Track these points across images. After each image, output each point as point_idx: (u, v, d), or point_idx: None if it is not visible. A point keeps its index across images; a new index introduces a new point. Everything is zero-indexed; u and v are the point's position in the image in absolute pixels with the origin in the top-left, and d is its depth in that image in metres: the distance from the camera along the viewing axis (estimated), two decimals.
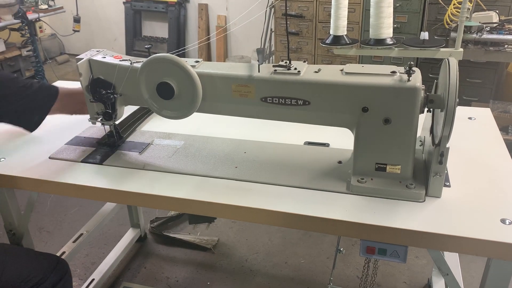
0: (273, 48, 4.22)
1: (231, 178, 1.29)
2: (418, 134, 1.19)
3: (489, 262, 1.13)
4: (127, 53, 5.31)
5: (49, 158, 1.44)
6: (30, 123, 1.42)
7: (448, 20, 2.90)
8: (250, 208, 1.17)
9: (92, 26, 5.60)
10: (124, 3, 5.26)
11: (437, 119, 1.16)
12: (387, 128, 1.15)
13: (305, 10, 3.84)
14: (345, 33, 1.30)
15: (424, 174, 1.21)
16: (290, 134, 1.50)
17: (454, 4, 2.79)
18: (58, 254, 1.97)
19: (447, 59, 1.09)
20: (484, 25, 2.92)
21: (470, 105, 3.18)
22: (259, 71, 1.22)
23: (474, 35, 2.89)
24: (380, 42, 1.24)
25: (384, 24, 1.22)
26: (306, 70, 1.20)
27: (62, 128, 1.64)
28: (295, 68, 1.20)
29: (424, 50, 1.24)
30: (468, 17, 2.87)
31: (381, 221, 1.08)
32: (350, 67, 1.18)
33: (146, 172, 1.35)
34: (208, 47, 5.10)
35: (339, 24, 1.28)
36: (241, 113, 1.30)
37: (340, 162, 1.34)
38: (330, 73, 1.19)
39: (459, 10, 1.25)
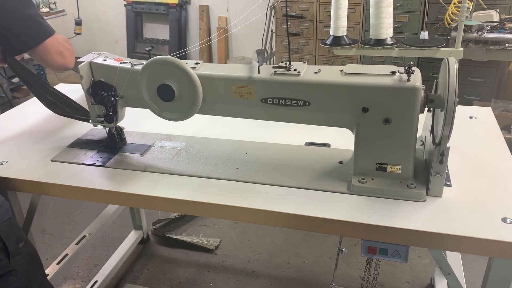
0: (274, 49, 4.22)
1: (233, 179, 1.29)
2: (419, 133, 1.20)
3: (491, 261, 1.13)
4: (129, 55, 5.32)
5: (51, 160, 1.44)
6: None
7: (448, 20, 2.90)
8: (252, 209, 1.17)
9: (94, 29, 5.62)
10: (125, 5, 5.27)
11: (438, 118, 1.16)
12: (387, 128, 1.15)
13: (306, 11, 3.84)
14: (345, 33, 1.31)
15: (425, 173, 1.21)
16: (291, 134, 1.50)
17: (454, 4, 2.79)
18: (61, 257, 1.98)
19: (447, 59, 1.09)
20: (485, 24, 2.91)
21: (471, 104, 3.16)
22: (259, 72, 1.22)
23: (475, 34, 2.89)
24: (380, 42, 1.24)
25: (384, 24, 1.22)
26: (306, 71, 1.21)
27: (64, 130, 1.64)
28: (295, 69, 1.20)
29: (425, 50, 1.25)
30: (468, 16, 2.87)
31: (382, 221, 1.08)
32: (350, 68, 1.19)
33: (147, 174, 1.35)
34: (209, 49, 5.11)
35: (339, 24, 1.29)
36: (241, 114, 1.31)
37: (341, 162, 1.34)
38: (330, 73, 1.19)
39: (460, 10, 1.25)
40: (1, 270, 1.24)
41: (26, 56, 4.38)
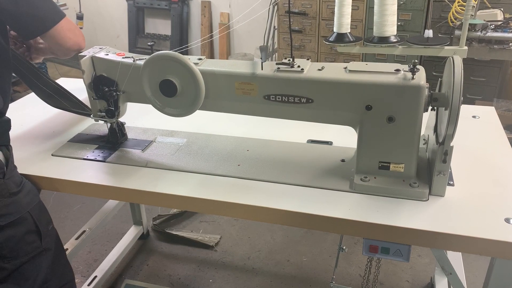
0: (276, 46, 4.21)
1: (234, 176, 1.29)
2: (422, 132, 1.19)
3: (493, 262, 1.12)
4: (130, 50, 5.31)
5: (52, 155, 1.44)
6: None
7: (452, 18, 2.88)
8: (253, 206, 1.17)
9: (95, 23, 5.60)
10: (127, 0, 5.25)
11: (441, 117, 1.15)
12: (390, 127, 1.14)
13: (309, 8, 3.82)
14: (349, 30, 1.30)
15: (427, 172, 1.20)
16: (293, 132, 1.50)
17: (458, 2, 2.77)
18: None
19: (452, 57, 1.08)
20: (489, 23, 2.90)
21: (474, 104, 3.16)
22: (262, 69, 1.21)
23: (479, 33, 2.87)
24: (383, 40, 1.23)
25: (388, 22, 1.22)
26: (309, 68, 1.20)
27: (65, 125, 1.64)
28: (298, 66, 1.19)
29: (428, 48, 1.24)
30: (472, 15, 2.85)
31: (384, 220, 1.07)
32: (353, 65, 1.18)
33: (148, 169, 1.34)
34: (211, 45, 5.10)
35: (343, 21, 1.28)
36: (244, 110, 1.30)
37: (343, 160, 1.33)
38: (334, 71, 1.18)
39: (464, 8, 1.24)
40: (34, 250, 1.30)
41: None
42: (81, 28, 4.17)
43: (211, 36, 4.97)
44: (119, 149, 1.46)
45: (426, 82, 1.10)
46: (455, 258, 1.81)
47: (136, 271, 2.31)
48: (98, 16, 5.55)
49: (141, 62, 1.28)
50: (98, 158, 1.41)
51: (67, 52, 1.36)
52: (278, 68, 1.20)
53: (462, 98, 1.03)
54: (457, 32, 2.95)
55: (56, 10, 1.29)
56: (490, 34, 2.87)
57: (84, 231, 2.09)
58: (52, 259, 1.36)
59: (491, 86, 3.34)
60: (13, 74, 1.42)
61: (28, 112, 1.75)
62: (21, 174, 1.33)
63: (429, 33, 1.27)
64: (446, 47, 1.23)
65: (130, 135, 1.53)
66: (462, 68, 1.05)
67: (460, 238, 1.02)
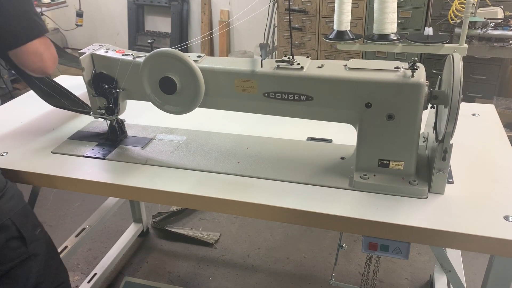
0: (276, 43, 4.21)
1: (234, 173, 1.29)
2: (422, 130, 1.19)
3: (492, 259, 1.12)
4: (130, 48, 5.27)
5: (52, 152, 1.44)
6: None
7: (452, 16, 2.88)
8: (252, 203, 1.17)
9: (95, 21, 5.60)
10: None
11: (441, 115, 1.15)
12: (390, 124, 1.14)
13: (309, 5, 3.82)
14: (349, 28, 1.30)
15: (427, 170, 1.20)
16: (293, 129, 1.50)
17: (458, 0, 2.77)
18: (60, 249, 1.98)
19: (452, 55, 1.08)
20: (489, 21, 2.90)
21: (474, 102, 3.16)
22: (262, 66, 1.21)
23: (479, 31, 2.87)
24: (384, 37, 1.23)
25: (388, 19, 1.22)
26: (309, 66, 1.20)
27: (65, 122, 1.64)
28: (298, 63, 1.19)
29: (428, 46, 1.24)
30: (472, 13, 2.85)
31: (383, 218, 1.08)
32: (353, 63, 1.18)
33: (148, 167, 1.34)
34: (211, 42, 5.09)
35: (343, 19, 1.28)
36: (243, 108, 1.30)
37: (343, 158, 1.33)
38: (334, 68, 1.18)
39: (464, 6, 1.24)
40: (20, 256, 1.27)
41: None
42: (80, 25, 4.18)
43: (211, 34, 4.96)
44: (119, 147, 1.46)
45: (426, 80, 1.10)
46: (454, 256, 1.81)
47: (135, 269, 2.31)
48: (98, 14, 5.55)
49: (141, 60, 1.28)
50: (97, 156, 1.41)
51: (32, 74, 1.30)
52: (278, 65, 1.20)
53: (462, 96, 1.03)
54: (457, 30, 2.95)
55: (28, 29, 1.20)
56: (490, 32, 2.87)
57: (84, 229, 2.09)
58: (43, 263, 1.32)
59: (491, 84, 3.34)
60: (13, 72, 1.41)
61: (28, 110, 1.75)
62: (20, 171, 1.34)
63: (429, 30, 1.27)
64: (446, 45, 1.23)
65: (130, 132, 1.53)
66: (462, 66, 1.04)
67: (459, 235, 1.02)
